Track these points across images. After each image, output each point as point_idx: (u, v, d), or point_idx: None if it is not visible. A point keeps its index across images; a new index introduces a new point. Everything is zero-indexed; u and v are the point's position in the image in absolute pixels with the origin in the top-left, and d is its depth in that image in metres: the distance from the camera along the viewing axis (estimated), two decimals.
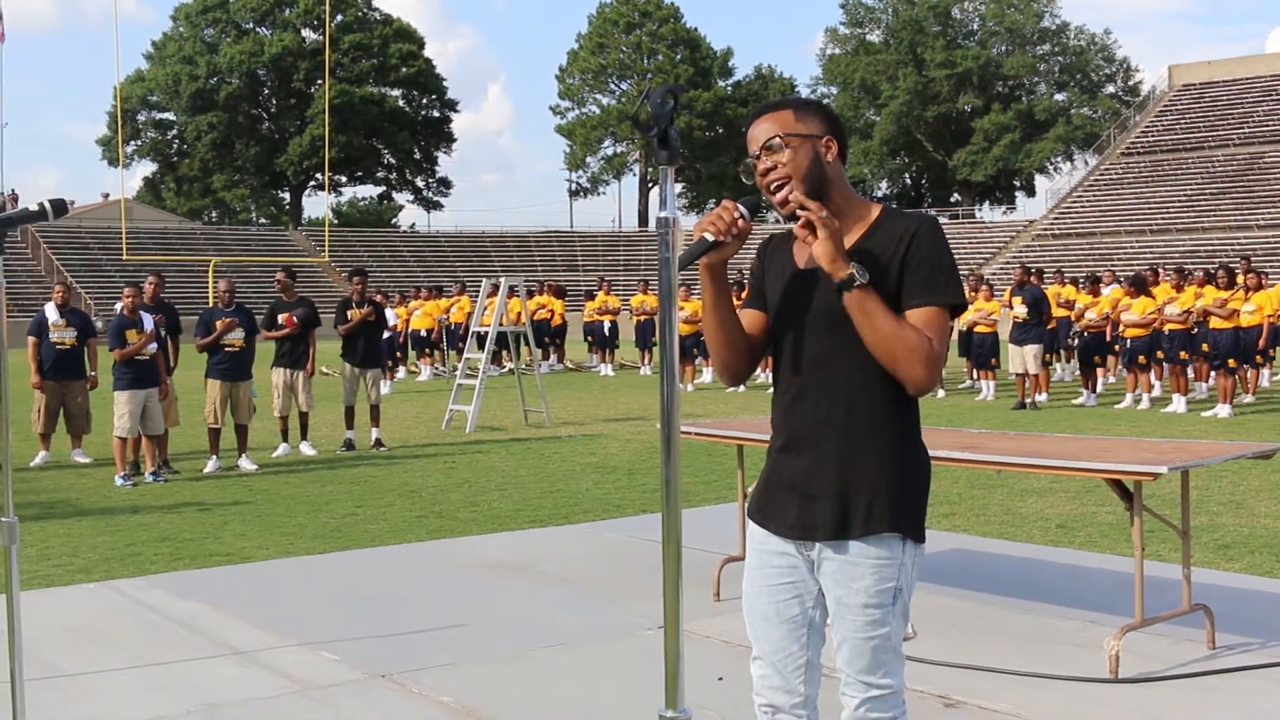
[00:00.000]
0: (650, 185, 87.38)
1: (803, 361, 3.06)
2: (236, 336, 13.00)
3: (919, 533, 3.03)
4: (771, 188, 3.05)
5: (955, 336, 20.93)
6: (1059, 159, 79.64)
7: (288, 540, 9.02)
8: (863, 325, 2.90)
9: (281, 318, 13.97)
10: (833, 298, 2.94)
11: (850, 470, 2.99)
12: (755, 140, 3.09)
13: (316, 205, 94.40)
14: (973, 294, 21.01)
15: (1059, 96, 80.00)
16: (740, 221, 2.95)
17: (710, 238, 2.94)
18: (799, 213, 2.94)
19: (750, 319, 3.20)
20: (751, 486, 3.25)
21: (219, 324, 12.98)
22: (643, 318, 27.19)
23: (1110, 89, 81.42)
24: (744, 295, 3.25)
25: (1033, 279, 19.75)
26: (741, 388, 20.58)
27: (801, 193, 3.00)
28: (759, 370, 12.90)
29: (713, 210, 2.99)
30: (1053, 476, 9.97)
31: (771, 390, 3.22)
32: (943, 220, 70.87)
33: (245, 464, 12.94)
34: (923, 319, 2.93)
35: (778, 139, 3.03)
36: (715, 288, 3.06)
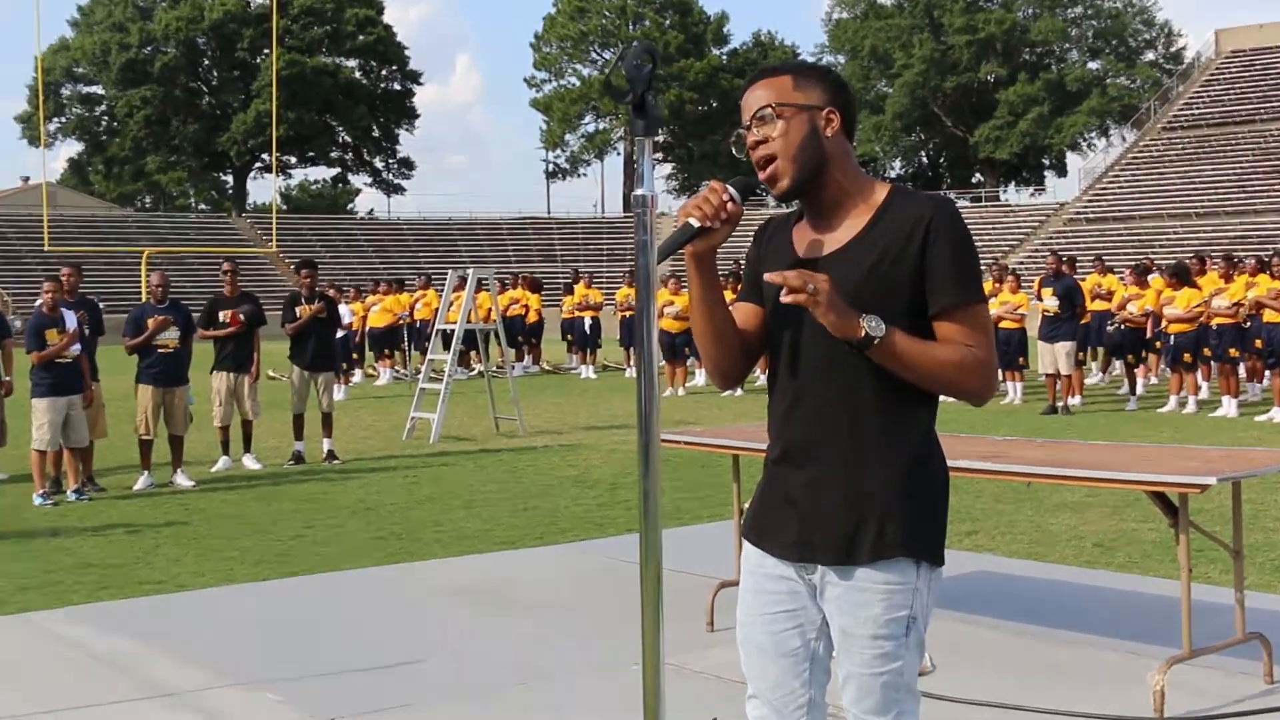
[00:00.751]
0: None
1: (802, 362, 3.02)
2: (171, 336, 12.93)
3: (936, 555, 3.00)
4: (759, 161, 3.03)
5: None
6: (1093, 134, 79.94)
7: (227, 566, 8.96)
8: (899, 372, 2.91)
9: (223, 315, 13.91)
10: (840, 291, 2.91)
11: (857, 485, 2.96)
12: (748, 109, 3.07)
13: (263, 189, 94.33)
14: (997, 285, 21.02)
15: (1093, 65, 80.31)
16: (730, 205, 2.93)
17: (696, 223, 2.91)
18: (784, 298, 2.85)
19: (745, 314, 3.17)
20: (748, 502, 3.22)
21: (151, 322, 12.90)
22: (628, 313, 27.13)
23: (1150, 56, 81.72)
24: (739, 287, 3.22)
25: (1065, 268, 19.72)
26: (738, 391, 20.49)
27: (791, 174, 2.99)
28: (756, 371, 12.87)
29: (699, 193, 2.96)
30: (1088, 489, 9.97)
31: (768, 392, 3.18)
32: (963, 204, 71.20)
33: (181, 480, 12.87)
34: (958, 325, 2.93)
35: (769, 109, 3.01)
36: (703, 279, 3.03)
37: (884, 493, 2.94)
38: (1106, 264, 23.61)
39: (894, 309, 2.91)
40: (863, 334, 2.85)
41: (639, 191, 2.59)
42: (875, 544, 2.93)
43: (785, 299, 2.85)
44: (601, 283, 40.00)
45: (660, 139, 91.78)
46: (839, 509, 2.96)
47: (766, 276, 2.92)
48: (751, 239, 3.34)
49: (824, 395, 2.99)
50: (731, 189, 2.94)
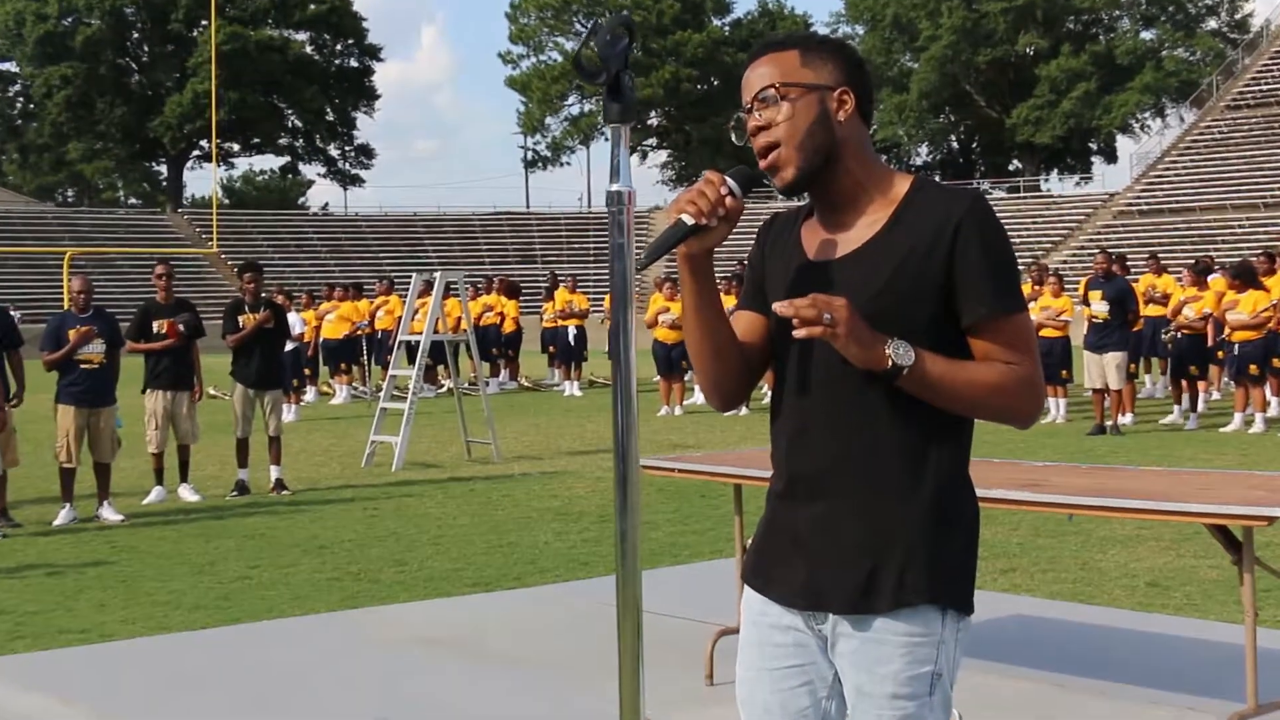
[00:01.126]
0: (603, 100, 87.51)
1: (813, 379, 3.02)
2: (95, 350, 12.93)
3: (965, 602, 2.99)
4: (758, 148, 3.03)
5: None
6: (1147, 114, 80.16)
7: (161, 612, 8.95)
8: (936, 402, 2.91)
9: (157, 325, 13.88)
10: (854, 298, 2.90)
11: (875, 523, 2.95)
12: (749, 88, 3.06)
13: (202, 181, 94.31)
14: (1036, 288, 21.04)
15: (1146, 34, 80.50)
16: (729, 199, 2.91)
17: (689, 220, 2.89)
18: (797, 334, 2.83)
19: (746, 324, 3.17)
20: (751, 539, 3.22)
21: (73, 334, 12.91)
22: (573, 323, 27.28)
23: (1212, 24, 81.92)
24: (740, 291, 3.22)
25: (1116, 268, 19.71)
26: (743, 409, 20.57)
27: (796, 164, 2.98)
28: (763, 386, 12.88)
29: (693, 185, 2.94)
30: (1140, 521, 9.97)
31: (771, 413, 3.18)
32: (1000, 195, 71.36)
33: (107, 513, 12.86)
34: (996, 339, 2.93)
35: (773, 89, 3.00)
36: (697, 284, 3.02)
37: (906, 531, 2.93)
38: (1162, 262, 23.65)
39: (916, 321, 2.90)
40: (890, 364, 2.85)
41: (614, 186, 2.59)
42: (895, 590, 2.92)
43: (799, 334, 2.84)
44: (588, 287, 40.01)
45: (654, 122, 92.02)
46: (853, 550, 2.95)
47: (775, 307, 2.90)
48: (754, 238, 3.34)
49: (837, 418, 2.98)
50: (731, 181, 2.92)
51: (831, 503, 2.98)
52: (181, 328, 13.84)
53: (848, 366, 2.92)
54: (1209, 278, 20.39)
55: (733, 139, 3.13)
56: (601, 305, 29.40)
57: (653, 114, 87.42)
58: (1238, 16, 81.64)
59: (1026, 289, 22.16)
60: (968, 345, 2.96)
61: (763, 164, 3.03)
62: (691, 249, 2.94)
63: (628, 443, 2.62)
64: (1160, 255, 25.10)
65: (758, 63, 3.06)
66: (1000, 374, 2.91)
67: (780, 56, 3.04)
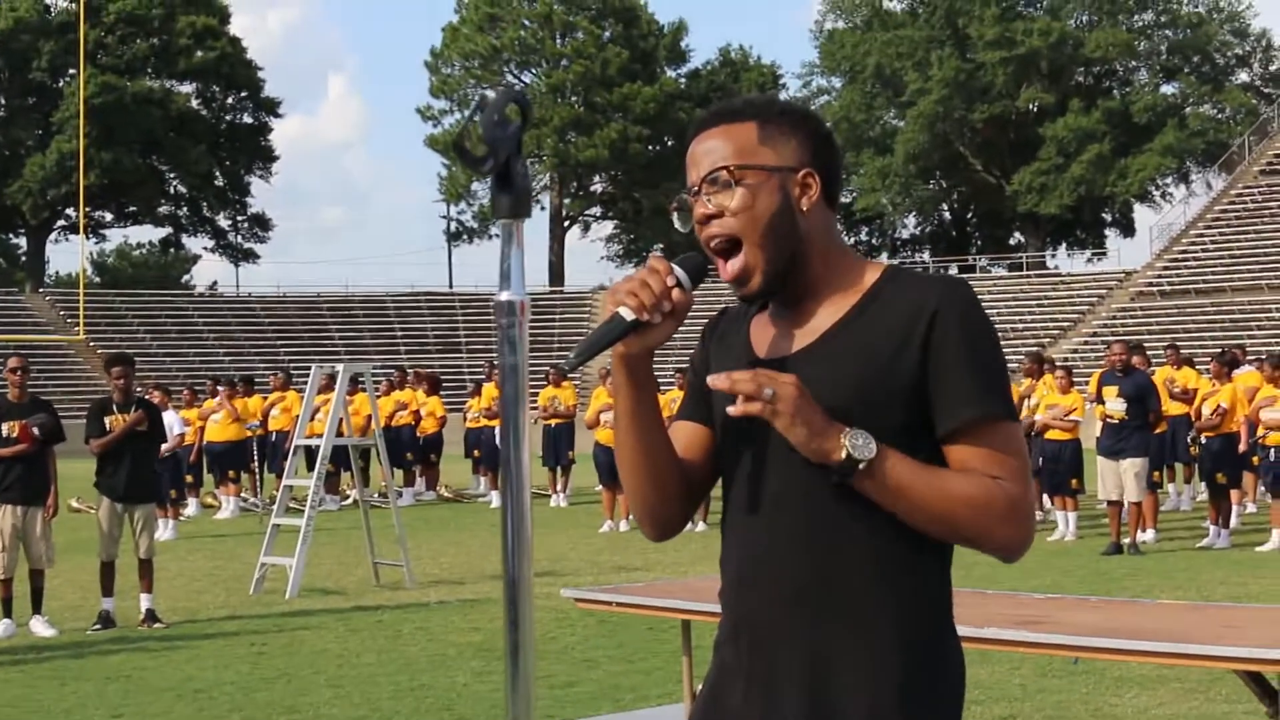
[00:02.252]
0: (566, 223, 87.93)
1: (763, 502, 2.99)
2: None
3: None
4: (713, 244, 3.01)
5: None
6: (1169, 181, 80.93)
7: None
8: (898, 511, 2.87)
9: (7, 427, 13.82)
10: (815, 400, 2.88)
11: (837, 675, 2.91)
12: (696, 164, 3.05)
13: (68, 256, 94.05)
14: (1033, 383, 21.11)
15: (1167, 89, 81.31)
16: (676, 292, 2.90)
17: (629, 315, 2.88)
18: (732, 410, 2.84)
19: (687, 437, 3.17)
20: (700, 685, 3.19)
21: None
22: (555, 421, 27.21)
23: (1243, 76, 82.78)
24: (678, 398, 3.20)
25: (1135, 359, 19.75)
26: (699, 525, 20.53)
27: (762, 268, 2.97)
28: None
29: (635, 273, 2.93)
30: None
31: (721, 540, 3.16)
32: (999, 273, 71.99)
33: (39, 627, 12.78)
34: (978, 449, 2.89)
35: (725, 172, 2.99)
36: (634, 389, 3.02)
37: (870, 685, 2.89)
38: (1183, 353, 23.77)
39: (883, 429, 2.87)
40: (843, 455, 2.80)
41: (503, 295, 2.57)
42: None
43: (735, 410, 2.81)
44: None
45: (598, 188, 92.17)
46: (806, 709, 2.91)
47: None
48: (700, 335, 3.33)
49: (793, 546, 2.94)
50: (679, 271, 2.91)
51: (781, 653, 2.94)
52: (36, 431, 13.75)
53: (808, 483, 2.89)
54: (1237, 371, 20.50)
55: (675, 224, 3.10)
56: (534, 402, 29.24)
57: (596, 179, 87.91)
58: (1272, 68, 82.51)
59: (1024, 384, 22.32)
60: (943, 460, 2.92)
61: (723, 271, 3.01)
62: (630, 348, 2.93)
63: (519, 580, 2.59)
64: (1185, 344, 25.29)
65: (707, 134, 3.05)
66: (981, 488, 2.86)
67: (734, 130, 3.03)
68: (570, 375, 29.81)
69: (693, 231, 3.06)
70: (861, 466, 2.81)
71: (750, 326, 3.14)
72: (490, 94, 2.56)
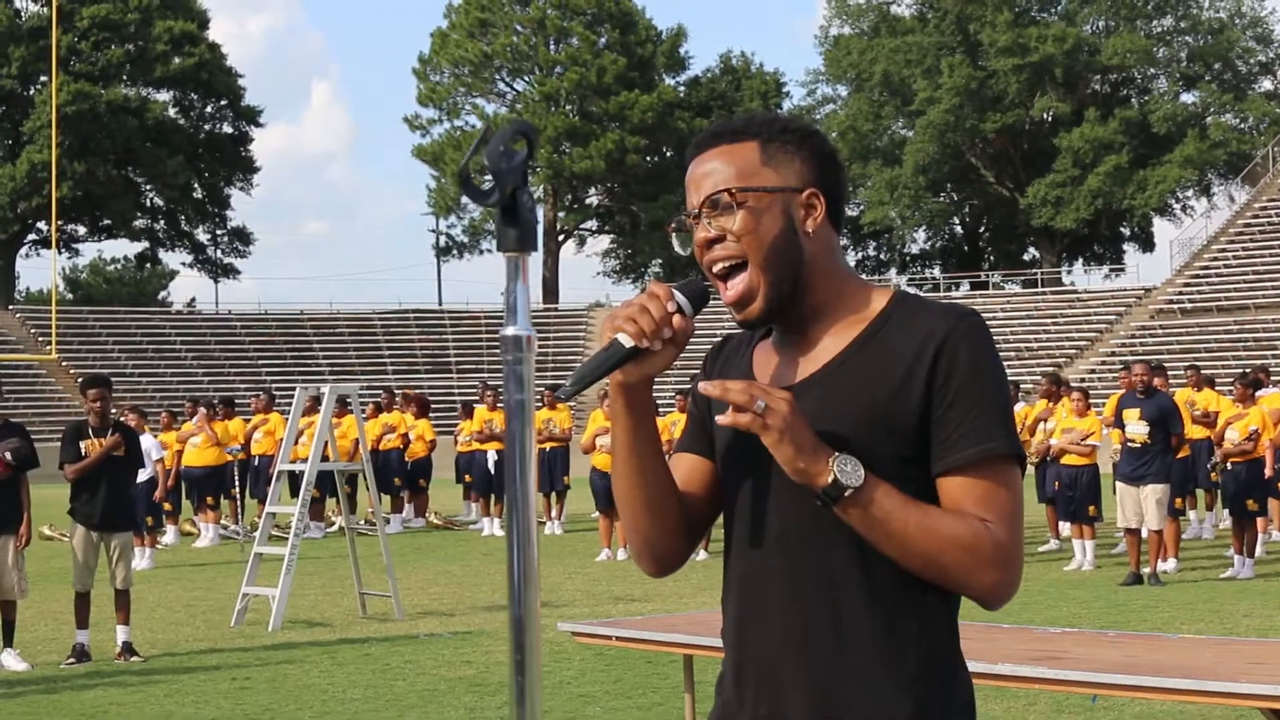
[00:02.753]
0: (561, 238, 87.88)
1: (767, 537, 3.01)
2: None
3: None
4: (715, 269, 3.03)
5: (1030, 471, 20.98)
6: (1190, 193, 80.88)
7: None
8: (880, 543, 2.87)
9: None
10: (812, 423, 2.91)
11: (840, 716, 2.92)
12: (697, 187, 3.07)
13: (39, 272, 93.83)
14: (1050, 405, 21.09)
15: (1188, 98, 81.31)
16: (677, 318, 2.91)
17: (628, 342, 2.89)
18: (721, 420, 2.86)
19: (687, 470, 3.19)
20: None
21: None
22: (549, 445, 27.21)
23: (1266, 84, 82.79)
24: (678, 431, 3.22)
25: (1157, 381, 19.64)
26: (700, 554, 20.49)
27: (765, 291, 2.98)
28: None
29: (635, 299, 2.93)
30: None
31: (723, 577, 3.18)
32: (1013, 290, 71.94)
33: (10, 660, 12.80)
34: (973, 490, 2.90)
35: (726, 194, 3.00)
36: (633, 419, 3.03)
37: None
38: (1203, 374, 23.75)
39: (876, 458, 2.89)
40: (829, 479, 2.81)
41: (510, 330, 2.59)
42: None
43: (724, 420, 2.82)
44: None
45: (594, 201, 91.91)
46: None
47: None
48: (701, 366, 3.34)
49: (798, 583, 2.96)
50: (680, 296, 2.92)
51: (786, 695, 2.96)
52: (8, 456, 13.74)
53: (814, 519, 2.91)
54: (1260, 393, 20.44)
55: (675, 247, 3.12)
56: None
57: (592, 191, 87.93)
58: None
59: (1038, 407, 22.32)
60: (932, 493, 2.93)
61: (725, 294, 3.02)
62: (629, 376, 2.94)
63: (527, 614, 2.62)
64: (1207, 364, 25.29)
65: (707, 155, 3.07)
66: (968, 530, 2.86)
67: (735, 150, 3.05)
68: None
69: (692, 255, 3.07)
70: (847, 494, 2.81)
71: (754, 355, 3.16)
72: (495, 126, 2.59)
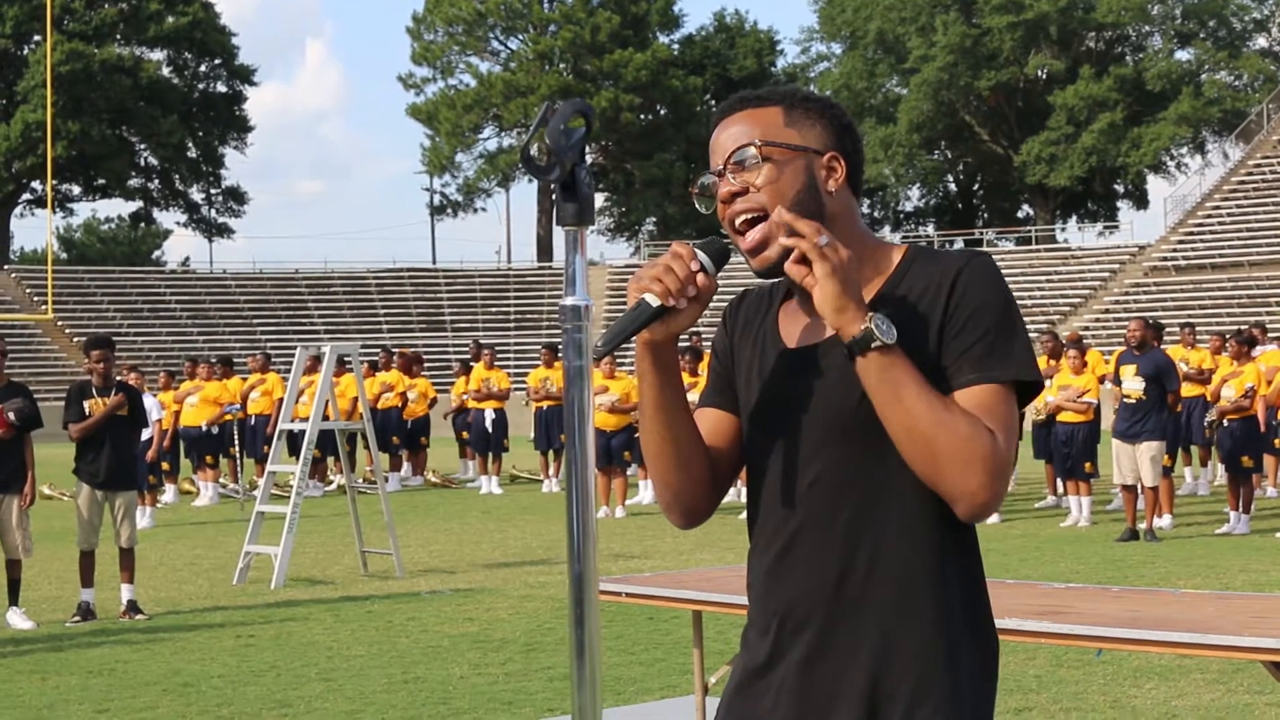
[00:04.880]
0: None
1: (797, 491, 3.07)
2: None
3: None
4: (738, 223, 3.09)
5: (1028, 428, 21.00)
6: (1184, 150, 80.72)
7: None
8: (886, 407, 2.91)
9: None
10: (848, 388, 2.98)
11: (876, 658, 3.00)
12: (721, 150, 3.13)
13: (34, 231, 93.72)
14: (1052, 362, 21.12)
15: (1182, 55, 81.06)
16: (700, 277, 2.98)
17: (654, 302, 2.94)
18: (784, 240, 2.94)
19: (712, 424, 3.24)
20: (715, 676, 3.26)
21: None
22: (547, 403, 27.22)
23: (1260, 41, 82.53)
24: (701, 383, 3.26)
25: (1151, 337, 19.61)
26: None
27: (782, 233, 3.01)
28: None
29: (659, 259, 2.98)
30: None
31: (749, 533, 3.24)
32: (1007, 248, 71.84)
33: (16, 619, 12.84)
34: (978, 402, 2.95)
35: (753, 149, 3.07)
36: (659, 377, 3.07)
37: (913, 672, 2.98)
38: (1196, 332, 23.73)
39: None
40: (864, 327, 2.87)
41: (570, 300, 2.64)
42: None
43: (785, 241, 2.91)
44: (508, 360, 40.05)
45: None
46: (851, 692, 2.99)
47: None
48: (721, 319, 3.40)
49: (829, 532, 3.02)
50: (702, 255, 2.98)
51: (819, 639, 3.02)
52: (11, 416, 13.75)
53: (841, 468, 2.99)
54: (1256, 350, 20.45)
55: (698, 208, 3.17)
56: (524, 384, 29.24)
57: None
58: None
59: (1040, 363, 22.32)
60: None
61: (743, 242, 3.07)
62: (655, 334, 2.99)
63: (585, 565, 2.67)
64: (1201, 321, 25.30)
65: (731, 119, 3.13)
66: (970, 423, 2.90)
67: (759, 113, 3.12)
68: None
69: (714, 213, 3.13)
70: (875, 345, 2.87)
71: (779, 316, 3.22)
72: (557, 104, 2.64)
